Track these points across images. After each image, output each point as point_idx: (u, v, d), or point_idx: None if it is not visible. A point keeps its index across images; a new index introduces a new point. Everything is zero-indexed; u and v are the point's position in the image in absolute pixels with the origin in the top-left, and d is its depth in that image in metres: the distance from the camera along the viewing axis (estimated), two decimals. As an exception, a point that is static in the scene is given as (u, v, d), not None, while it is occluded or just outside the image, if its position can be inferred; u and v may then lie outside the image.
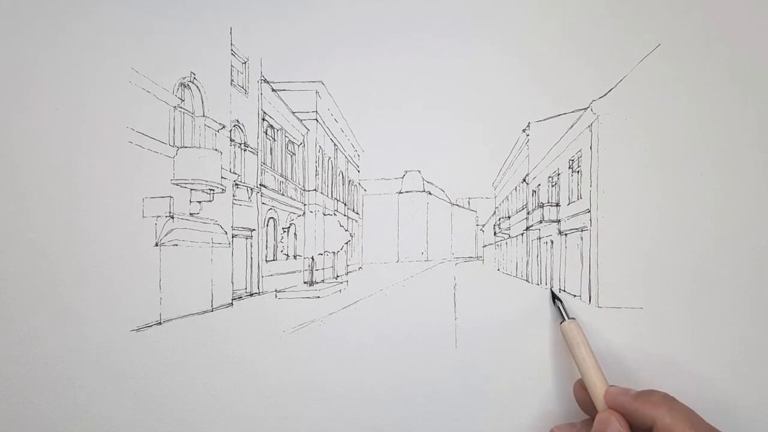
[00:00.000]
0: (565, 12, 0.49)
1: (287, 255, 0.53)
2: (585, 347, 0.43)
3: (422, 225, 0.51)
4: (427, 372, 0.49)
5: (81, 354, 0.48)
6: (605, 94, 0.48)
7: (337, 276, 0.53)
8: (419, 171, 0.50)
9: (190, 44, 0.49)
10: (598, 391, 0.42)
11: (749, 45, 0.47)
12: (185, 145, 0.50)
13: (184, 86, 0.50)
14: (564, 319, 0.45)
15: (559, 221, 0.51)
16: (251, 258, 0.51)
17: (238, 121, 0.51)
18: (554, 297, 0.48)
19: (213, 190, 0.50)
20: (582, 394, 0.44)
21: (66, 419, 0.48)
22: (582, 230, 0.49)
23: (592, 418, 0.41)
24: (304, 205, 0.53)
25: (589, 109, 0.48)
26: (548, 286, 0.50)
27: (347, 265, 0.53)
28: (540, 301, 0.49)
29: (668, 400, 0.39)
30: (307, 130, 0.53)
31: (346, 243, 0.53)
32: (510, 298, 0.49)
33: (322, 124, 0.53)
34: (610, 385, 0.42)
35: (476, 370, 0.48)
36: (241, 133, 0.51)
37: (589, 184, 0.49)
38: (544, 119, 0.49)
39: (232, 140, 0.51)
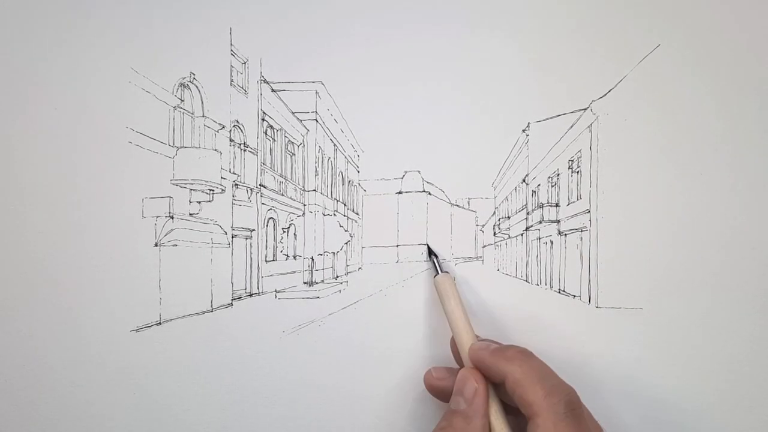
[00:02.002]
0: (565, 12, 0.49)
1: (287, 255, 0.53)
2: (455, 300, 0.43)
3: (422, 225, 0.51)
4: (427, 372, 0.49)
5: (81, 354, 0.48)
6: (605, 95, 0.48)
7: (337, 276, 0.53)
8: (419, 171, 0.50)
9: (190, 44, 0.49)
10: (464, 346, 0.41)
11: (749, 45, 0.47)
12: (185, 146, 0.50)
13: (184, 86, 0.50)
14: (438, 273, 0.46)
15: (558, 221, 0.51)
16: (251, 258, 0.51)
17: (237, 121, 0.51)
18: (430, 252, 0.49)
19: (213, 190, 0.50)
20: (456, 348, 0.44)
21: (66, 419, 0.48)
22: (582, 230, 0.49)
23: None
24: (304, 205, 0.53)
25: (589, 109, 0.48)
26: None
27: (347, 266, 0.53)
28: (540, 300, 0.49)
29: (523, 355, 0.38)
30: (306, 131, 0.53)
31: (346, 243, 0.53)
32: (510, 299, 0.49)
33: (322, 124, 0.53)
34: (478, 339, 0.42)
35: (476, 370, 0.48)
36: (241, 133, 0.51)
37: (589, 184, 0.49)
38: (544, 119, 0.49)
39: (231, 140, 0.51)
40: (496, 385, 0.40)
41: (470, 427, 0.37)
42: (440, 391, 0.44)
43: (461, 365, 0.43)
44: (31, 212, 0.48)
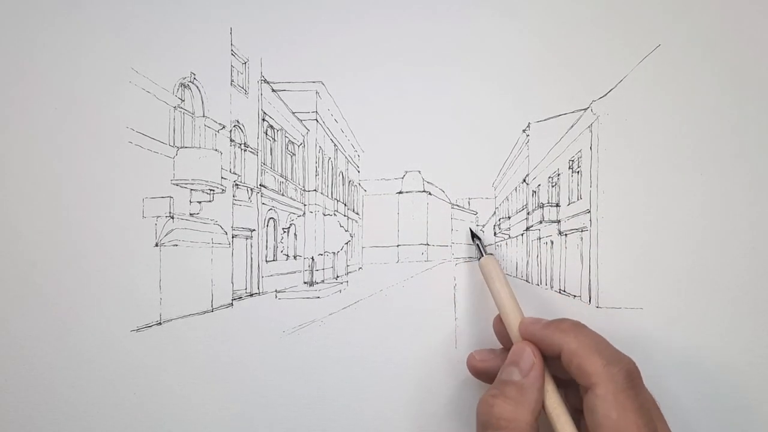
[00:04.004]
0: (565, 12, 0.49)
1: (287, 255, 0.53)
2: (500, 281, 0.43)
3: (422, 225, 0.51)
4: (427, 372, 0.49)
5: (81, 354, 0.48)
6: (605, 95, 0.48)
7: (337, 276, 0.53)
8: (419, 171, 0.50)
9: (190, 44, 0.49)
10: (513, 323, 0.41)
11: (749, 45, 0.47)
12: (185, 146, 0.50)
13: (184, 86, 0.50)
14: (482, 256, 0.46)
15: (559, 221, 0.51)
16: (251, 258, 0.51)
17: (238, 121, 0.51)
18: (473, 236, 0.48)
19: (213, 190, 0.50)
20: (500, 327, 0.43)
21: (66, 419, 0.48)
22: (582, 230, 0.49)
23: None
24: (304, 205, 0.53)
25: (589, 109, 0.48)
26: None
27: (347, 266, 0.53)
28: (540, 300, 0.49)
29: (577, 327, 0.38)
30: (307, 131, 0.53)
31: (346, 243, 0.53)
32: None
33: (322, 124, 0.53)
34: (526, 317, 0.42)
35: (476, 370, 0.48)
36: (241, 133, 0.51)
37: (589, 184, 0.49)
38: (544, 119, 0.49)
39: (232, 140, 0.51)
40: (547, 360, 0.39)
41: (524, 398, 0.37)
42: (483, 372, 0.44)
43: (505, 345, 0.43)
44: (31, 212, 0.48)
